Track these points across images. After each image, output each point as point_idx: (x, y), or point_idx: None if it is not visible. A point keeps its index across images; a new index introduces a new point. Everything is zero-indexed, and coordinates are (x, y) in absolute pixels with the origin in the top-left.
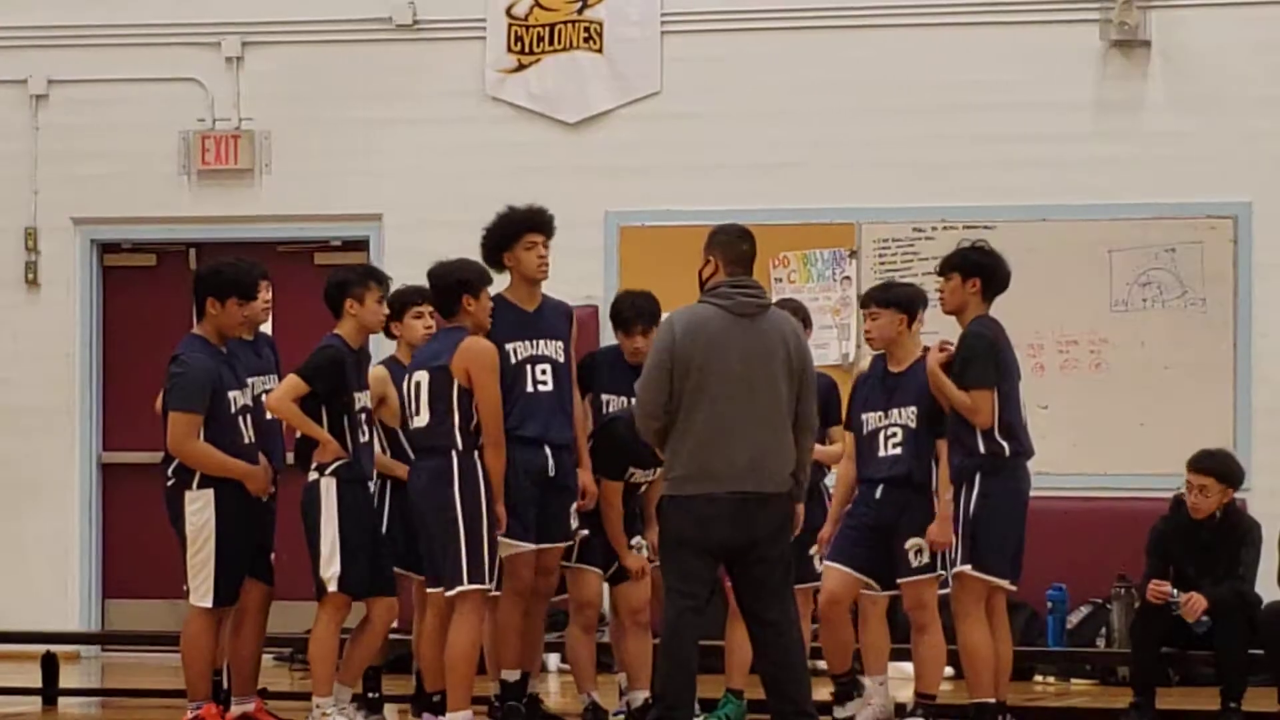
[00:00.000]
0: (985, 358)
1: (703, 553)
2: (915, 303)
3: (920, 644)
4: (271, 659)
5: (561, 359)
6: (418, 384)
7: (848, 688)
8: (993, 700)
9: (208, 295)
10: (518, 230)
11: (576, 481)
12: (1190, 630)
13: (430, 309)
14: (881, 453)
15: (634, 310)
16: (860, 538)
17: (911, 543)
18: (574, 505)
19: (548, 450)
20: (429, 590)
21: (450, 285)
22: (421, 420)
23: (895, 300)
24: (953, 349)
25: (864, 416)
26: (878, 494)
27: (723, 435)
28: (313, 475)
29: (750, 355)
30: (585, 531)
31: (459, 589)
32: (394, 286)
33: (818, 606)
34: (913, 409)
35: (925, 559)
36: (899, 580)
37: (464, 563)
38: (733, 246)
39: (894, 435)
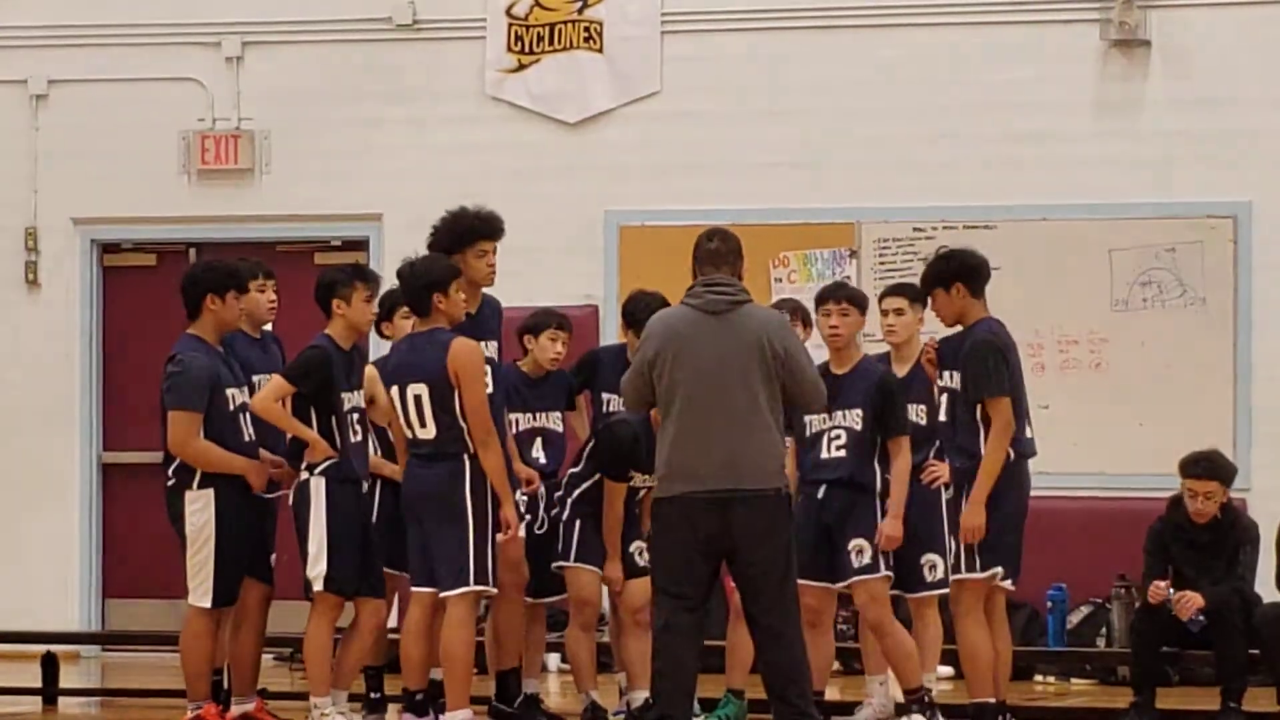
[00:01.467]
0: (996, 365)
1: (692, 552)
2: (867, 305)
3: (886, 646)
4: (271, 659)
5: (496, 357)
6: (417, 397)
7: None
8: (993, 700)
9: (207, 292)
10: (470, 237)
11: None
12: (1186, 629)
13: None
14: (825, 455)
15: (647, 311)
16: (808, 544)
17: (854, 544)
18: (516, 492)
19: None
20: (416, 590)
21: (419, 287)
22: (427, 433)
23: (860, 299)
24: (936, 352)
25: (806, 419)
26: (820, 494)
27: (697, 434)
28: (303, 475)
29: (722, 353)
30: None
31: (464, 589)
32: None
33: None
34: (858, 411)
35: (867, 559)
36: (847, 582)
37: (472, 563)
38: (699, 246)
39: (837, 437)
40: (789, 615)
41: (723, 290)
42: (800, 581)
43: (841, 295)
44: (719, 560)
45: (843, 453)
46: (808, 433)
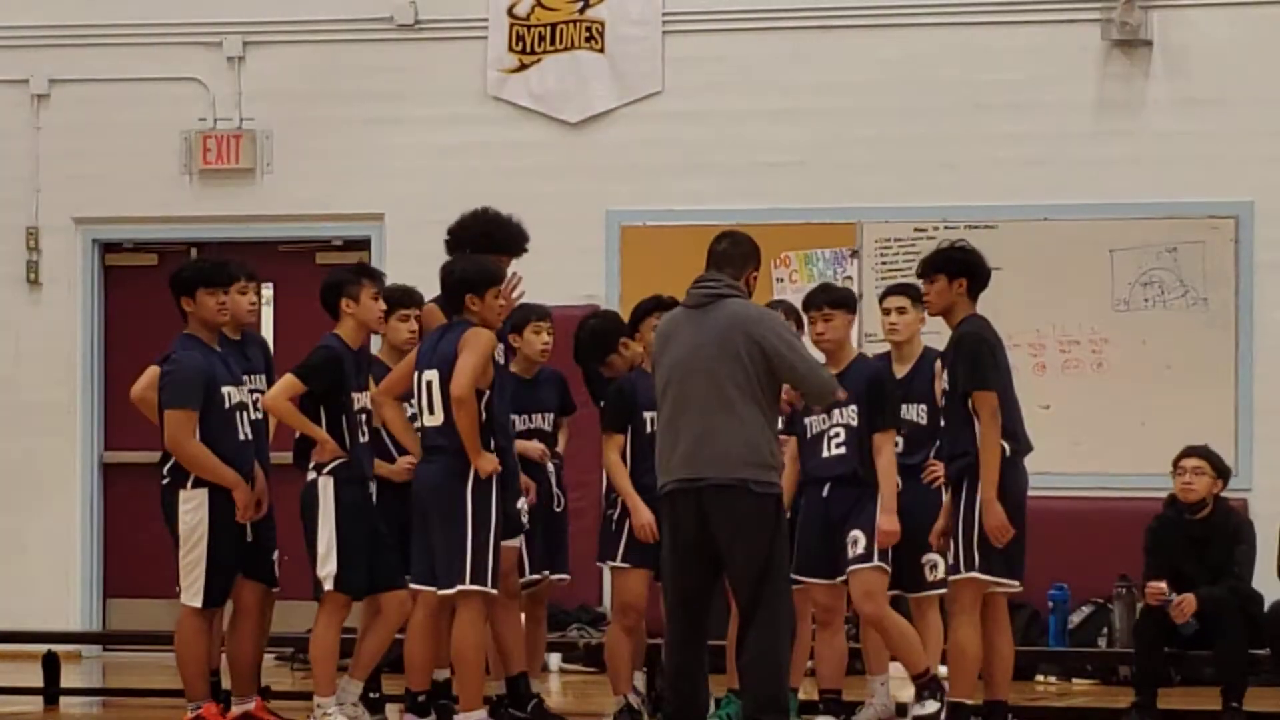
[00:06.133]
0: (984, 358)
1: (676, 556)
2: (855, 303)
3: (887, 638)
4: (273, 658)
5: (503, 361)
6: (429, 383)
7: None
8: (969, 701)
9: (180, 295)
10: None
11: (517, 479)
12: (1179, 631)
13: (417, 313)
14: (826, 453)
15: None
16: (815, 542)
17: (851, 535)
18: (520, 501)
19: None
20: (417, 588)
21: (453, 284)
22: (435, 419)
23: (845, 301)
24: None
25: (806, 420)
26: (824, 492)
27: (673, 426)
28: (311, 474)
29: (695, 344)
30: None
31: (459, 588)
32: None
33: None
34: (853, 408)
35: (860, 549)
36: (846, 572)
37: (468, 563)
38: (710, 248)
39: (836, 435)
40: (761, 619)
41: (707, 285)
42: (810, 580)
43: (822, 301)
44: (707, 556)
45: (843, 450)
46: (809, 434)
